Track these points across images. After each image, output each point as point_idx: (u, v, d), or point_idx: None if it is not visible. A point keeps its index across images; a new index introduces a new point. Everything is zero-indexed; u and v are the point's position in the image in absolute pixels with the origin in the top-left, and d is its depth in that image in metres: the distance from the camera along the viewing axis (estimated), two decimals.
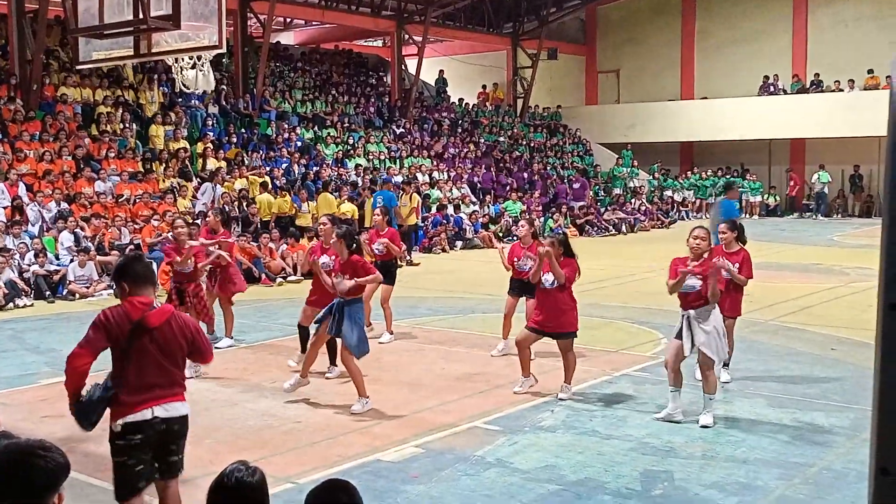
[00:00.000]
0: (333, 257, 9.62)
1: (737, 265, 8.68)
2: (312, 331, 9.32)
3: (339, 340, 8.53)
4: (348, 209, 20.76)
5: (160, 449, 5.01)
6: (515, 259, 10.30)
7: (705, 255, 7.72)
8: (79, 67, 14.57)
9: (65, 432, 7.59)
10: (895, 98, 1.51)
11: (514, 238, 10.86)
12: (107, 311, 5.10)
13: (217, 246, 11.05)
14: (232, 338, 11.41)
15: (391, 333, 11.54)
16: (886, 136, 1.57)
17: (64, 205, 17.39)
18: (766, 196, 33.67)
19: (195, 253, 10.14)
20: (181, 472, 5.14)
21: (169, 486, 5.11)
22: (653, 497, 6.14)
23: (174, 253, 10.13)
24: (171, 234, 11.68)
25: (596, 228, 27.34)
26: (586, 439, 7.37)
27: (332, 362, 9.62)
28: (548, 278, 8.48)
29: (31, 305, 14.83)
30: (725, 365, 9.08)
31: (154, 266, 15.42)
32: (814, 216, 31.99)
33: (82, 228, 16.75)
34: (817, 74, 32.60)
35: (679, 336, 7.68)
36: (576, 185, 28.98)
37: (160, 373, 4.97)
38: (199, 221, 17.26)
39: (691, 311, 7.58)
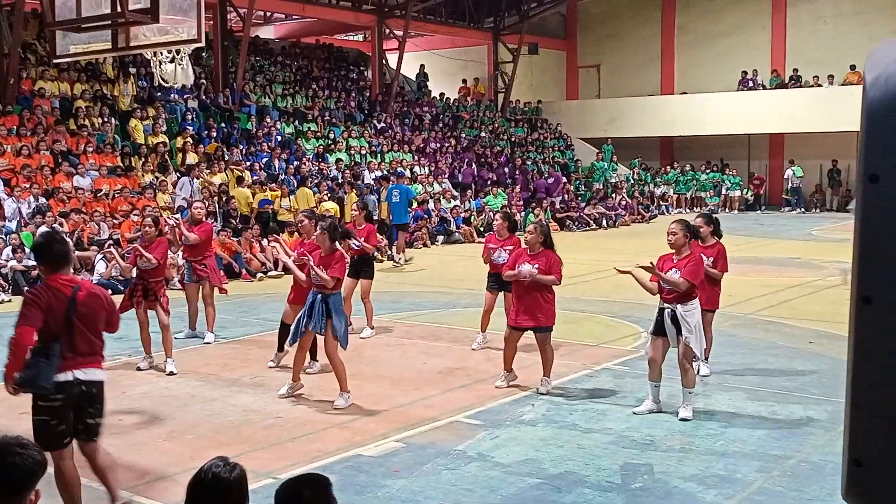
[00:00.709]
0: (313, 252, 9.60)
1: (712, 259, 8.79)
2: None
3: (319, 337, 8.52)
4: (330, 207, 20.72)
5: (79, 411, 5.54)
6: (491, 248, 10.34)
7: (685, 249, 7.77)
8: (56, 61, 14.45)
9: None
10: (868, 94, 1.52)
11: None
12: (36, 290, 5.54)
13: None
14: (214, 333, 11.38)
15: (372, 328, 11.54)
16: (859, 133, 1.58)
17: (42, 200, 17.25)
18: (745, 191, 33.87)
19: (162, 256, 10.03)
20: (98, 437, 5.69)
21: (89, 446, 5.61)
22: (633, 490, 6.18)
23: (137, 253, 9.94)
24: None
25: (577, 223, 27.40)
26: (566, 433, 7.40)
27: (313, 357, 9.60)
28: (524, 271, 8.46)
29: (10, 301, 14.70)
30: (705, 359, 9.15)
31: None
32: (793, 209, 32.24)
33: (61, 224, 16.63)
34: (796, 70, 32.80)
35: (661, 332, 7.71)
36: (549, 180, 29.03)
37: (84, 342, 5.52)
38: (177, 216, 17.18)
39: (678, 306, 7.61)
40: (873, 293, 1.53)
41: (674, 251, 7.77)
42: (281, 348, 9.86)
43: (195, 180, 19.74)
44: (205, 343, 11.16)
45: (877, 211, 1.53)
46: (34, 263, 15.57)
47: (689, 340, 7.60)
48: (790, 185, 32.70)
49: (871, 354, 1.53)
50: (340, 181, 22.87)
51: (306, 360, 9.55)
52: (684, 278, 7.58)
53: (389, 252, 20.19)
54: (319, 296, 8.20)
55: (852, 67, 30.56)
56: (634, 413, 7.81)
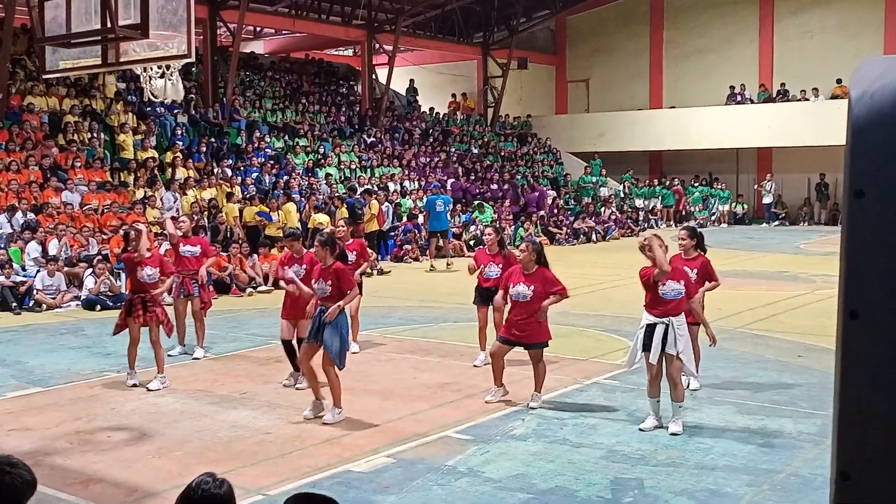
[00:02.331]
0: (305, 266, 9.58)
1: (695, 271, 8.69)
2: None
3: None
4: (323, 219, 20.72)
5: None
6: (482, 265, 10.34)
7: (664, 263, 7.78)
8: (46, 77, 14.43)
9: (31, 446, 7.51)
10: (853, 110, 1.54)
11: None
12: None
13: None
14: (204, 348, 11.34)
15: (356, 343, 11.48)
16: (845, 149, 1.60)
17: (31, 215, 17.20)
18: (733, 204, 34.01)
19: (161, 262, 10.02)
20: None
21: None
22: None
23: (133, 262, 9.88)
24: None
25: (566, 237, 27.45)
26: (557, 448, 7.39)
27: (296, 369, 9.59)
28: (520, 291, 8.46)
29: None
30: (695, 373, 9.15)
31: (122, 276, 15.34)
32: (771, 223, 32.55)
33: (59, 237, 16.56)
34: (783, 84, 33.01)
35: (647, 347, 7.68)
36: (534, 194, 29.08)
37: None
38: (166, 232, 17.14)
39: (672, 319, 7.62)
40: (860, 308, 1.54)
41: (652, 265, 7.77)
42: (296, 368, 9.72)
43: (178, 194, 19.72)
44: (194, 358, 11.11)
45: (862, 226, 1.54)
46: (22, 279, 15.55)
47: (683, 354, 7.62)
48: (769, 199, 32.98)
49: (857, 368, 1.54)
50: (331, 195, 22.86)
51: (297, 375, 9.55)
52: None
53: (378, 266, 20.23)
54: (321, 309, 8.17)
55: (839, 81, 30.77)
56: (641, 430, 7.75)
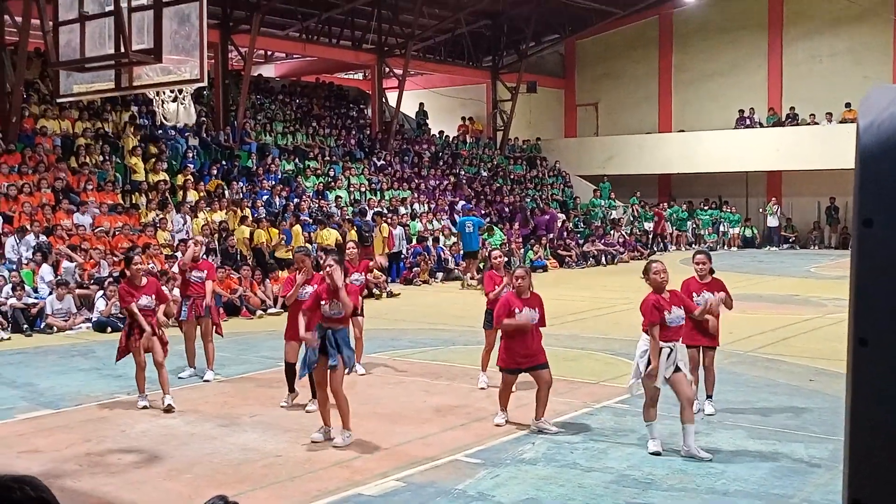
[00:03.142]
0: (314, 286, 9.58)
1: (723, 294, 8.78)
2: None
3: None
4: (331, 235, 20.85)
5: None
6: (496, 286, 10.35)
7: (666, 287, 7.82)
8: (59, 101, 14.56)
9: (41, 468, 7.52)
10: (862, 139, 1.56)
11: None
12: None
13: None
14: (213, 370, 11.36)
15: (361, 365, 11.52)
16: (854, 178, 1.62)
17: (43, 237, 17.30)
18: (743, 228, 33.95)
19: (157, 290, 10.04)
20: None
21: None
22: None
23: (128, 295, 9.88)
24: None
25: (576, 260, 27.43)
26: (567, 472, 7.37)
27: (291, 390, 9.70)
28: (529, 315, 8.49)
29: (9, 339, 14.69)
30: (709, 397, 9.14)
31: None
32: (781, 246, 32.52)
33: (71, 259, 16.66)
34: (793, 108, 33.03)
35: (651, 372, 7.67)
36: (544, 217, 29.09)
37: None
38: (178, 254, 17.22)
39: (676, 344, 7.64)
40: (869, 335, 1.55)
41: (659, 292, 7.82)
42: (292, 389, 9.79)
43: (188, 217, 19.82)
44: (204, 381, 11.14)
45: (871, 255, 1.56)
46: (34, 301, 15.62)
47: (690, 376, 7.66)
48: (774, 222, 32.95)
49: (867, 396, 1.55)
50: (340, 218, 22.94)
51: (293, 397, 9.61)
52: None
53: (388, 288, 20.29)
54: (329, 331, 8.16)
55: (847, 105, 30.80)
56: (655, 454, 7.71)
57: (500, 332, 8.99)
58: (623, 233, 31.17)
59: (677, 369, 7.66)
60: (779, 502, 6.59)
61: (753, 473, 7.25)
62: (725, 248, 32.73)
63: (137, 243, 17.98)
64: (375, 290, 19.67)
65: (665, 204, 34.85)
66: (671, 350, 7.64)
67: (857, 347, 1.56)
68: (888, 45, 31.78)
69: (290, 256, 18.48)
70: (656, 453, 7.70)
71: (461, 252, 23.27)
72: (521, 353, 8.50)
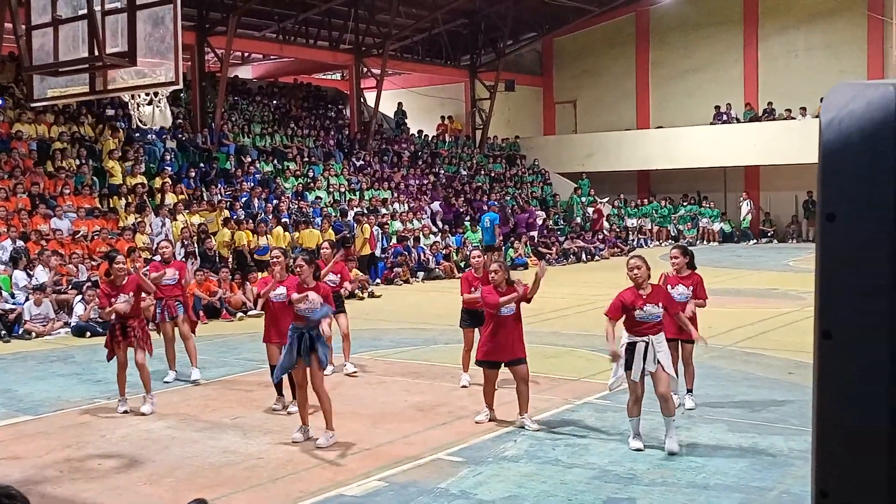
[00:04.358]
0: (285, 289, 9.55)
1: (691, 288, 8.89)
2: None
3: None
4: (312, 236, 20.86)
5: None
6: (472, 289, 10.35)
7: (648, 283, 7.85)
8: (34, 105, 14.44)
9: (21, 475, 7.48)
10: (824, 136, 1.58)
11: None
12: None
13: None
14: (199, 368, 11.29)
15: (351, 364, 11.51)
16: (817, 174, 1.65)
17: (20, 242, 17.16)
18: (721, 222, 34.10)
19: (133, 291, 9.90)
20: None
21: None
22: None
23: (106, 296, 9.83)
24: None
25: (556, 257, 27.50)
26: (549, 468, 7.39)
27: (280, 393, 9.63)
28: (513, 309, 8.55)
29: None
30: (689, 391, 9.20)
31: None
32: (753, 241, 32.73)
33: (49, 267, 16.52)
34: (770, 103, 33.24)
35: (629, 366, 7.73)
36: (524, 215, 29.17)
37: None
38: (156, 257, 17.13)
39: (652, 337, 7.67)
40: (832, 328, 1.58)
41: (635, 286, 7.84)
42: (280, 392, 9.72)
43: (167, 220, 19.72)
44: (192, 380, 11.10)
45: (834, 248, 1.58)
46: (11, 307, 15.49)
47: (669, 369, 7.68)
48: (750, 217, 33.18)
49: (831, 388, 1.58)
50: (321, 218, 22.90)
51: (287, 399, 9.55)
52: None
53: (370, 288, 20.28)
54: (302, 330, 8.14)
55: (822, 100, 30.98)
56: (636, 450, 7.74)
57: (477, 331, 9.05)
58: (603, 230, 31.30)
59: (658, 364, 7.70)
60: (759, 495, 6.65)
61: (733, 467, 7.30)
62: (705, 242, 32.89)
63: (118, 248, 17.90)
64: (357, 292, 19.65)
65: (645, 199, 35.03)
66: (646, 345, 7.67)
67: (822, 340, 1.58)
68: (863, 39, 32.04)
69: (269, 258, 18.44)
70: (637, 450, 7.74)
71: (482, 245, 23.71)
72: (499, 347, 8.53)
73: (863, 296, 1.54)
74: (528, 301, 8.64)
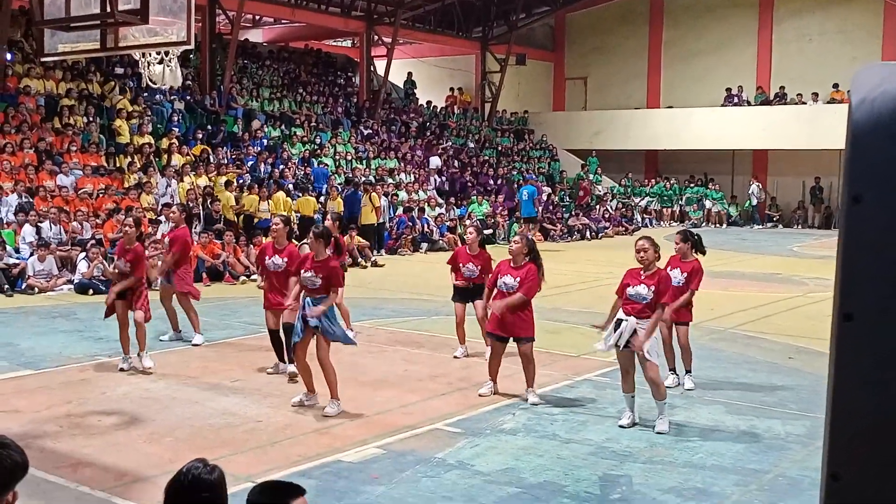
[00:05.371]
0: (285, 258, 9.56)
1: (685, 275, 8.84)
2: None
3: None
4: (309, 204, 20.85)
5: None
6: (461, 264, 10.38)
7: (655, 265, 7.82)
8: (43, 60, 14.37)
9: (21, 429, 7.51)
10: (854, 115, 1.56)
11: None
12: None
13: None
14: (202, 333, 11.33)
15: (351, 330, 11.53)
16: (844, 154, 1.62)
17: (26, 197, 17.16)
18: (728, 206, 34.05)
19: (136, 259, 9.92)
20: None
21: None
22: (611, 501, 6.20)
23: (120, 253, 9.92)
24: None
25: (561, 234, 27.48)
26: (546, 443, 7.42)
27: (281, 360, 9.63)
28: (507, 282, 8.52)
29: None
30: (688, 372, 9.21)
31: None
32: (758, 225, 32.66)
33: (54, 223, 16.53)
34: (782, 87, 33.04)
35: (616, 342, 7.73)
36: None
37: None
38: (161, 218, 17.14)
39: (632, 318, 7.63)
40: (855, 310, 1.56)
41: (642, 267, 7.81)
42: (281, 359, 9.73)
43: (173, 181, 19.67)
44: (193, 344, 11.14)
45: (859, 230, 1.56)
46: (15, 261, 15.52)
47: (652, 357, 7.62)
48: (754, 201, 33.09)
49: (850, 371, 1.56)
50: (327, 186, 22.86)
51: (280, 365, 9.60)
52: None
53: (373, 257, 20.29)
54: (309, 299, 8.17)
55: (835, 86, 30.85)
56: (620, 426, 7.81)
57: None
58: (608, 208, 31.23)
59: (627, 346, 7.67)
60: (754, 477, 6.67)
61: (730, 448, 7.32)
62: (711, 225, 32.84)
63: (121, 205, 17.90)
64: (360, 260, 19.66)
65: (652, 180, 34.95)
66: (624, 322, 7.66)
67: (842, 322, 1.57)
68: (878, 26, 31.78)
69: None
70: (623, 426, 7.77)
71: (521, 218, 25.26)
72: (505, 321, 8.54)
73: (886, 280, 1.52)
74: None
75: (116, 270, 9.99)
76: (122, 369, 9.68)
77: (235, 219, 19.83)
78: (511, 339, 8.67)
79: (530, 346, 8.64)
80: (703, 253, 9.20)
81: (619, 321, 7.74)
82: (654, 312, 7.64)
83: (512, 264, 8.61)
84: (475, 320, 10.32)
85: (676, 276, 8.86)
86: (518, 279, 8.48)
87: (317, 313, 8.01)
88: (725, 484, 6.51)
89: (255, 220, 19.99)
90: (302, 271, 8.29)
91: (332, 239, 9.00)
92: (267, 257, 9.72)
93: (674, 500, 6.17)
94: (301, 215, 20.79)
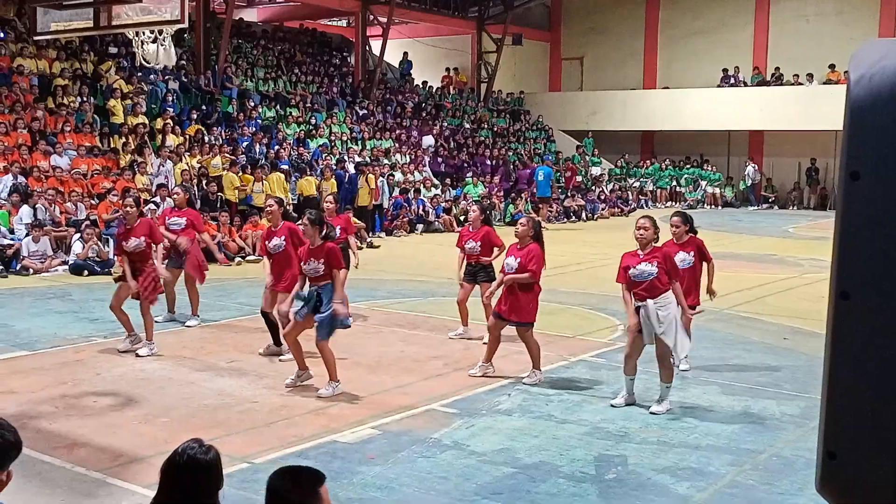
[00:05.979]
0: (283, 237, 9.53)
1: (691, 254, 8.77)
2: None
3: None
4: (310, 185, 20.78)
5: None
6: (463, 243, 10.43)
7: (653, 244, 7.78)
8: (36, 38, 14.28)
9: (16, 409, 7.52)
10: (852, 92, 1.54)
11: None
12: None
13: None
14: (198, 316, 11.33)
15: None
16: (842, 130, 1.60)
17: (21, 178, 17.08)
18: (723, 187, 34.03)
19: (149, 231, 9.89)
20: None
21: None
22: (606, 481, 6.22)
23: (122, 236, 9.85)
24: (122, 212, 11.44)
25: (557, 215, 27.46)
26: (542, 423, 7.44)
27: (276, 343, 9.61)
28: (509, 262, 8.55)
29: None
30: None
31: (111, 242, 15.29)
32: (754, 206, 32.70)
33: (48, 203, 16.46)
34: (778, 68, 32.97)
35: (639, 328, 7.68)
36: (526, 171, 28.99)
37: None
38: (157, 199, 17.08)
39: (649, 301, 7.57)
40: (851, 289, 1.55)
41: (638, 248, 7.77)
42: (276, 342, 9.74)
43: (168, 162, 19.59)
44: (187, 326, 11.13)
45: (857, 207, 1.55)
46: (10, 242, 15.48)
47: (665, 337, 7.55)
48: (749, 182, 33.08)
49: (847, 349, 1.55)
50: (322, 168, 22.78)
51: (273, 347, 9.60)
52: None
53: (369, 239, 20.27)
54: (314, 289, 8.14)
55: (832, 67, 30.77)
56: (612, 405, 7.85)
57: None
58: (604, 189, 31.19)
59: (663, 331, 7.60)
60: (749, 457, 6.69)
61: (725, 429, 7.35)
62: (706, 206, 32.82)
63: (115, 186, 17.83)
64: (358, 243, 19.62)
65: (648, 161, 34.90)
66: (642, 308, 7.59)
67: (839, 300, 1.56)
68: (875, 7, 31.68)
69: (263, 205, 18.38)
70: (615, 406, 7.80)
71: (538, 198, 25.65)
72: (503, 300, 8.58)
73: (884, 257, 1.51)
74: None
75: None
76: (119, 350, 9.64)
77: (237, 200, 19.76)
78: (510, 323, 8.67)
79: (527, 330, 8.62)
80: (695, 233, 9.17)
81: (637, 309, 7.66)
82: (665, 287, 7.58)
83: (518, 246, 8.64)
84: (477, 301, 10.31)
85: (684, 258, 8.69)
86: (519, 259, 8.49)
87: (343, 314, 8.01)
88: (720, 464, 6.53)
89: (241, 199, 19.92)
90: (302, 264, 8.24)
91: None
92: (267, 242, 9.70)
93: (669, 480, 6.19)
94: (304, 196, 20.83)
